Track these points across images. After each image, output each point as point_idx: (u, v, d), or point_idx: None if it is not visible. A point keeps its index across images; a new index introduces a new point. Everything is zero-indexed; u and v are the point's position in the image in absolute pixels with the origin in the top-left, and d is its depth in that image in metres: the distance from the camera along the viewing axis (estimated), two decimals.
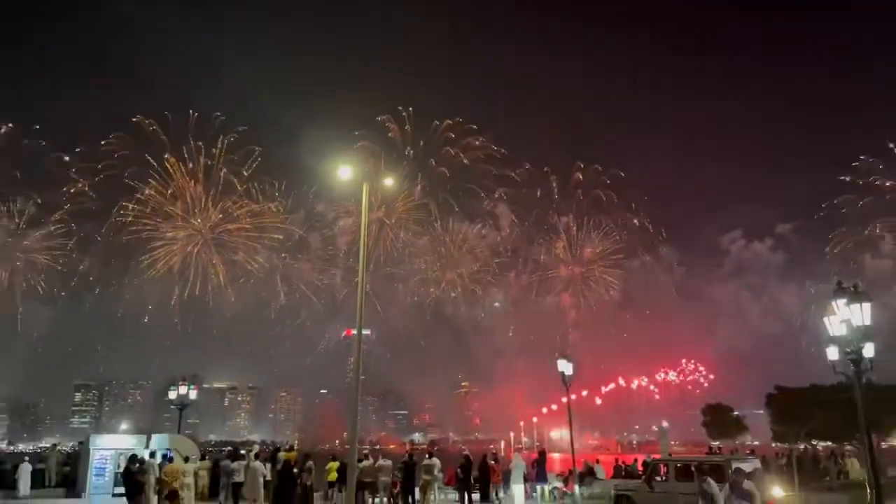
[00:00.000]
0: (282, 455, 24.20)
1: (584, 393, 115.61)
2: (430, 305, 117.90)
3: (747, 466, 19.40)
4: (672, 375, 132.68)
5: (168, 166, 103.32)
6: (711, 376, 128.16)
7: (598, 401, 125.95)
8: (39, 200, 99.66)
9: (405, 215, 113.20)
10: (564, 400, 29.62)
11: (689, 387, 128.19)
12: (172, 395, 32.53)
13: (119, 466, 27.27)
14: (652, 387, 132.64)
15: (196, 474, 23.51)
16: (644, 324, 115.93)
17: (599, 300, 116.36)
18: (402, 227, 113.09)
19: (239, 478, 23.50)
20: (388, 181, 27.65)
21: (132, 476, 16.48)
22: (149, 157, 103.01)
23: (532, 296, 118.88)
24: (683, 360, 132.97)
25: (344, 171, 24.51)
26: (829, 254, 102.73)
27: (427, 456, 24.81)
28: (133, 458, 18.60)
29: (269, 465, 23.57)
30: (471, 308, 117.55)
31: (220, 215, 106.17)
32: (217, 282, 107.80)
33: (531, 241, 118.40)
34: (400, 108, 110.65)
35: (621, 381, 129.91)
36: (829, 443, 39.22)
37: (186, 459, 23.55)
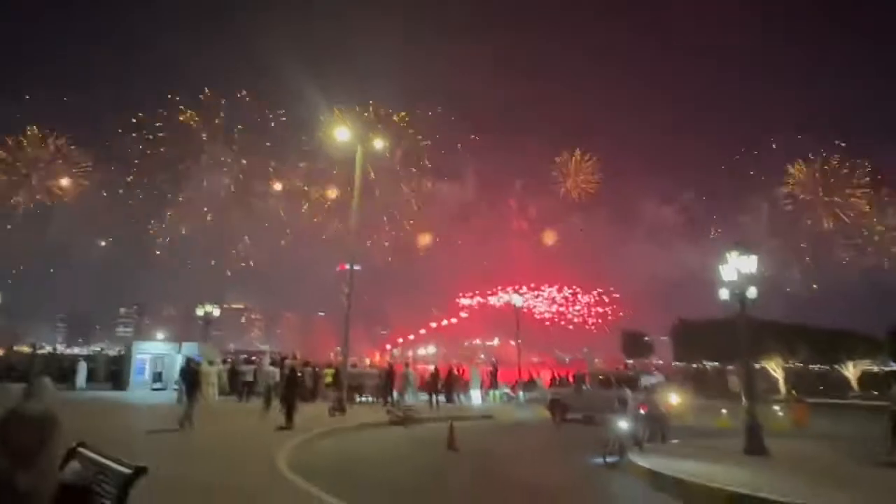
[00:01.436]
0: (288, 362, 24.63)
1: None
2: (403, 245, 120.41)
3: (654, 380, 20.48)
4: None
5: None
6: (621, 313, 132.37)
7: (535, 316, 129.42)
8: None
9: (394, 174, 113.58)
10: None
11: (610, 316, 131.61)
12: (200, 312, 32.51)
13: (157, 367, 27.52)
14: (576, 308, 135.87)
15: (219, 375, 23.85)
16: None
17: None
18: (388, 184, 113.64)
19: (249, 377, 23.92)
20: (379, 143, 27.15)
21: (194, 373, 16.70)
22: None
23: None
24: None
25: (341, 133, 24.19)
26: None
27: (405, 366, 25.49)
28: (189, 360, 18.84)
29: (277, 370, 23.99)
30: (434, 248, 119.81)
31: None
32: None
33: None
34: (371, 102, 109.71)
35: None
36: (717, 363, 41.21)
37: (211, 363, 23.76)
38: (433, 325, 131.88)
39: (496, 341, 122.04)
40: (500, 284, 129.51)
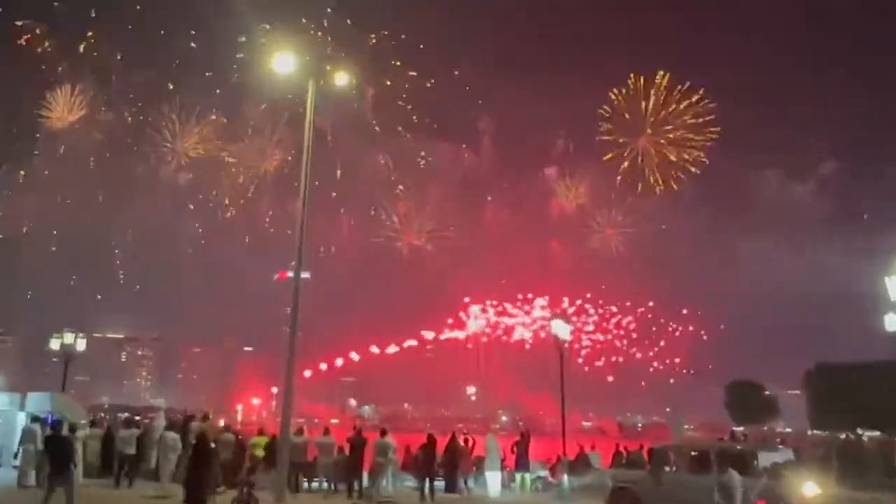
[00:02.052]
0: (195, 425, 24.48)
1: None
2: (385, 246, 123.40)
3: (777, 457, 20.32)
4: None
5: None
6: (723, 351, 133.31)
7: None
8: None
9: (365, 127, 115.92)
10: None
11: (704, 354, 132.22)
12: (55, 344, 32.43)
13: None
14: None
15: (84, 444, 23.64)
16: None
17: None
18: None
19: (131, 449, 23.80)
20: (342, 79, 26.99)
21: (61, 444, 16.70)
22: None
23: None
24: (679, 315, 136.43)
25: (282, 63, 23.85)
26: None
27: (380, 434, 25.28)
28: (56, 424, 18.91)
29: (178, 438, 23.90)
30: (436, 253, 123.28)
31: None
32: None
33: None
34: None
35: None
36: (879, 432, 41.00)
37: (73, 429, 23.66)
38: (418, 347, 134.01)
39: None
40: (520, 300, 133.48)
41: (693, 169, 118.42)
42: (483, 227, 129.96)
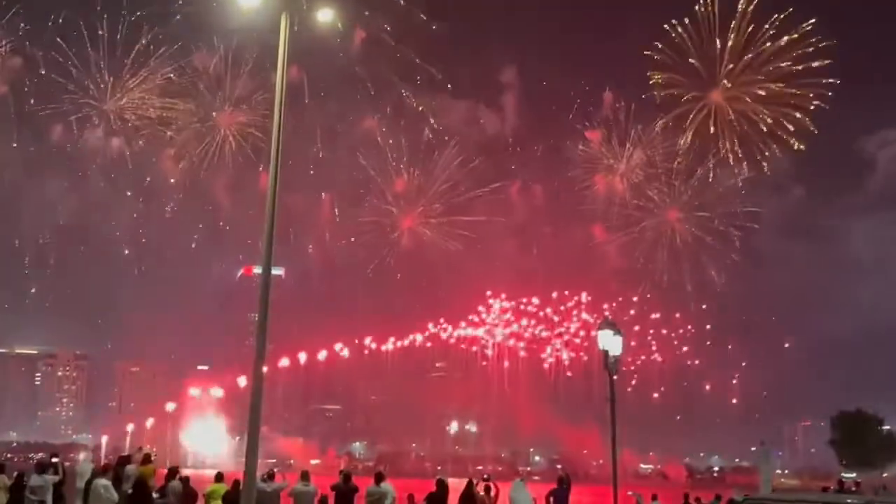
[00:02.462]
0: (133, 469, 24.56)
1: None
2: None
3: None
4: None
5: None
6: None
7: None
8: None
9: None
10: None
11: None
12: None
13: None
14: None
15: None
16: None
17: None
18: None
19: (47, 501, 23.90)
20: (325, 15, 26.94)
21: None
22: None
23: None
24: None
25: None
26: None
27: (375, 480, 25.30)
28: None
29: (109, 483, 23.98)
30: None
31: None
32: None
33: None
34: None
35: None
36: None
37: None
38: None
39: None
40: (553, 302, 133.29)
41: (793, 142, 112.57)
42: (506, 209, 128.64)
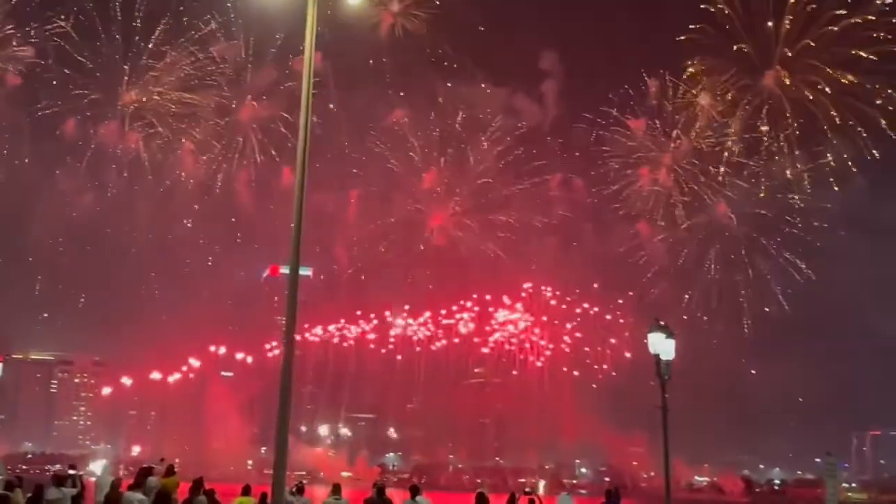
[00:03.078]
0: (155, 481, 24.46)
1: None
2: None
3: None
4: None
5: None
6: None
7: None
8: None
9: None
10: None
11: None
12: None
13: None
14: None
15: None
16: None
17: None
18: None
19: None
20: None
21: None
22: None
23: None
24: None
25: None
26: None
27: (410, 493, 25.07)
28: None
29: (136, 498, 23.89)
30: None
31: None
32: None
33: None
34: None
35: None
36: None
37: None
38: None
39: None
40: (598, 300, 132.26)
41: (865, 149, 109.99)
42: (544, 205, 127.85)
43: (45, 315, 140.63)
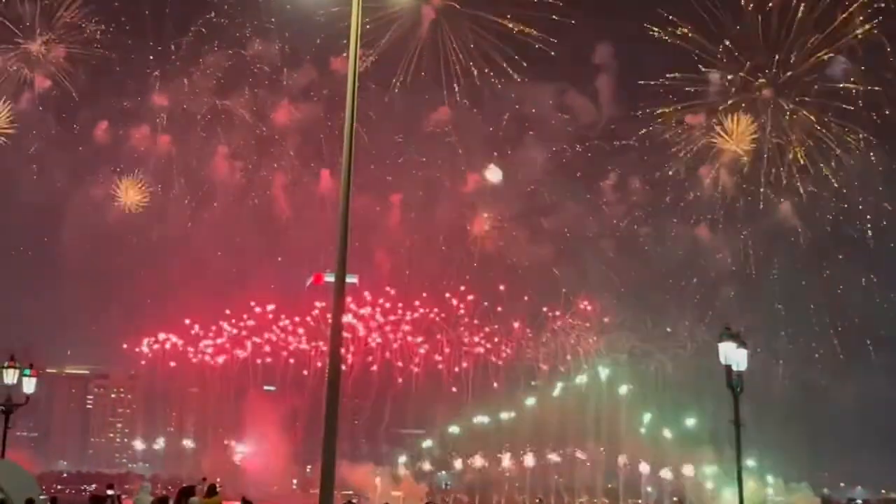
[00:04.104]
0: (197, 502, 24.59)
1: None
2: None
3: None
4: None
5: None
6: None
7: None
8: None
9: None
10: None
11: None
12: None
13: None
14: None
15: None
16: None
17: None
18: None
19: None
20: None
21: None
22: None
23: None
24: None
25: None
26: None
27: None
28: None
29: None
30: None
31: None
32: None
33: None
34: None
35: None
36: None
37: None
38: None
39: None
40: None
41: None
42: (598, 207, 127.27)
43: (80, 326, 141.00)
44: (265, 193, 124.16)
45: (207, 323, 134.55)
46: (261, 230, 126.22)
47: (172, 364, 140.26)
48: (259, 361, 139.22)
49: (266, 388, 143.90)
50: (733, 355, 27.37)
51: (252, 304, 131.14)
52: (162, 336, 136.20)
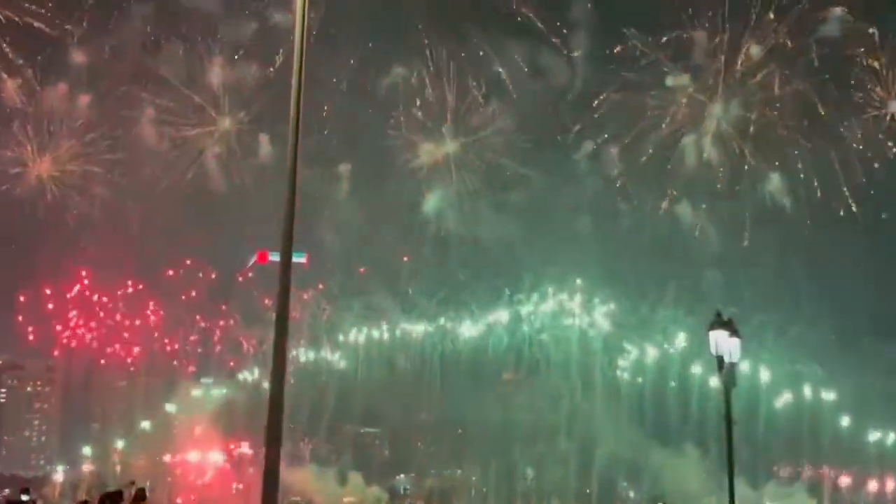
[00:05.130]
0: None
1: None
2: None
3: None
4: None
5: None
6: None
7: None
8: None
9: None
10: None
11: None
12: None
13: None
14: None
15: None
16: None
17: None
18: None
19: None
20: None
21: None
22: None
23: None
24: None
25: None
26: None
27: None
28: None
29: None
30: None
31: None
32: None
33: None
34: None
35: None
36: None
37: None
38: None
39: None
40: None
41: None
42: (572, 179, 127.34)
43: None
44: (198, 162, 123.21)
45: (133, 309, 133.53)
46: (194, 203, 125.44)
47: (94, 354, 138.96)
48: (189, 349, 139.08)
49: (202, 380, 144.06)
50: (725, 345, 27.15)
51: (183, 286, 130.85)
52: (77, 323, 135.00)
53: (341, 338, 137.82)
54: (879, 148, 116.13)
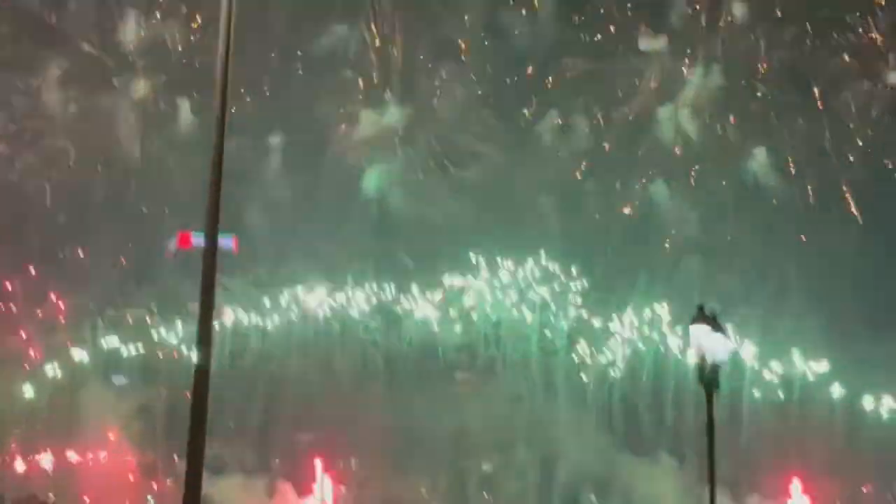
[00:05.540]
0: None
1: None
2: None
3: None
4: None
5: None
6: None
7: None
8: None
9: None
10: None
11: None
12: None
13: None
14: None
15: None
16: None
17: None
18: None
19: None
20: None
21: None
22: None
23: None
24: None
25: None
26: None
27: None
28: None
29: None
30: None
31: None
32: None
33: None
34: None
35: None
36: None
37: None
38: None
39: None
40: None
41: None
42: (533, 153, 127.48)
43: None
44: (109, 130, 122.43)
45: (31, 296, 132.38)
46: (104, 177, 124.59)
47: None
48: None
49: (114, 378, 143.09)
50: (708, 342, 27.19)
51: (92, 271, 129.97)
52: None
53: (270, 329, 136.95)
54: (875, 122, 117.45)
